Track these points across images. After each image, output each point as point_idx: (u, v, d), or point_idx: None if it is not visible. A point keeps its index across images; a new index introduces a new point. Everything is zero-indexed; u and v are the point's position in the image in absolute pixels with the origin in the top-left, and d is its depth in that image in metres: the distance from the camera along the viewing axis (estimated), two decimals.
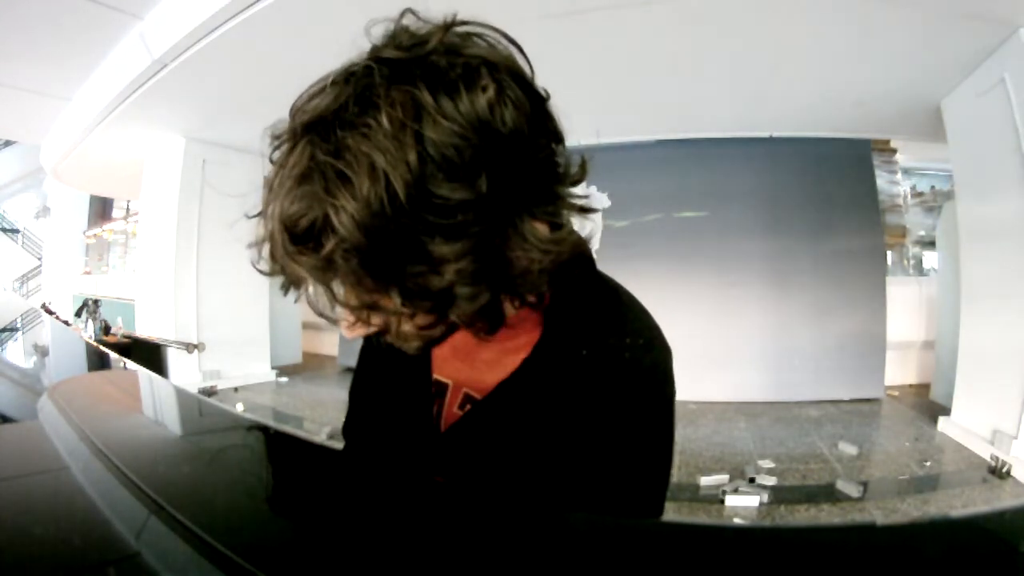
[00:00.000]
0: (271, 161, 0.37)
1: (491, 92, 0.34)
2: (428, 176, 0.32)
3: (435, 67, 0.34)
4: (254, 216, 0.38)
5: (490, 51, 0.36)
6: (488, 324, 0.40)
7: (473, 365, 0.53)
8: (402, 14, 0.36)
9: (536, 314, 0.49)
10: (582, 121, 0.44)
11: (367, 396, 0.63)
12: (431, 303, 0.36)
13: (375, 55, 0.35)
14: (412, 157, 0.32)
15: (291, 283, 0.38)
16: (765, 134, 4.21)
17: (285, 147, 0.36)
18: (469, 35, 0.37)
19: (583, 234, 0.50)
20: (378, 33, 0.36)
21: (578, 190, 0.42)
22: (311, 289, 0.38)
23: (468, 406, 0.53)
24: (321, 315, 0.40)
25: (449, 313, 0.37)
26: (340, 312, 0.39)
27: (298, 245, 0.34)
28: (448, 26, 0.36)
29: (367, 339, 0.64)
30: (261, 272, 0.39)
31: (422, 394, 0.55)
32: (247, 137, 4.45)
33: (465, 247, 0.34)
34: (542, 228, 0.38)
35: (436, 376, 0.55)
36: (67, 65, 3.54)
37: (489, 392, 0.51)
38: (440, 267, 0.34)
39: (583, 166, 0.42)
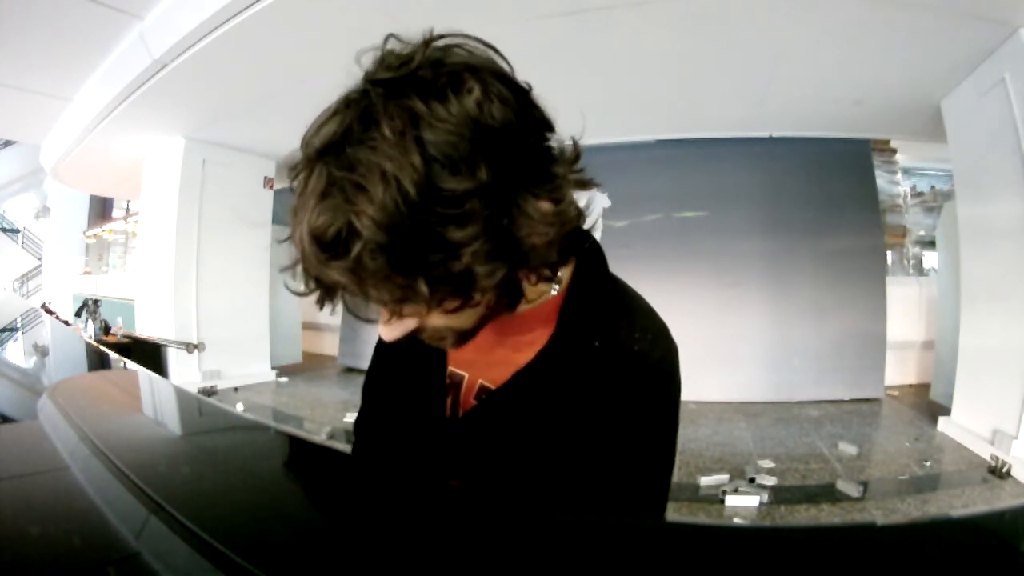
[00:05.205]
0: (292, 191, 0.40)
1: (476, 93, 0.37)
2: (433, 173, 0.35)
3: (423, 80, 0.37)
4: (284, 241, 0.41)
5: (470, 57, 0.40)
6: (509, 298, 0.44)
7: (491, 359, 0.55)
8: (386, 39, 0.39)
9: (552, 310, 0.53)
10: (584, 120, 0.46)
11: (382, 389, 0.66)
12: (454, 286, 0.39)
13: (369, 79, 0.38)
14: (416, 159, 0.35)
15: (327, 293, 0.40)
16: (765, 134, 4.21)
17: (303, 175, 0.38)
18: (449, 47, 0.40)
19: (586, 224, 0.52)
20: (367, 61, 0.39)
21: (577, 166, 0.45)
22: (347, 297, 0.40)
23: (484, 396, 0.55)
24: (358, 317, 0.43)
25: (472, 293, 0.40)
26: (377, 312, 0.43)
27: (328, 252, 0.37)
28: (428, 42, 0.39)
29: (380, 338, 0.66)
30: (297, 294, 0.41)
31: (437, 384, 0.58)
32: (247, 137, 4.49)
33: (477, 230, 0.37)
34: (545, 205, 0.41)
35: (453, 368, 0.58)
36: (67, 65, 3.53)
37: (505, 382, 0.53)
38: (458, 251, 0.37)
39: (576, 146, 0.45)
